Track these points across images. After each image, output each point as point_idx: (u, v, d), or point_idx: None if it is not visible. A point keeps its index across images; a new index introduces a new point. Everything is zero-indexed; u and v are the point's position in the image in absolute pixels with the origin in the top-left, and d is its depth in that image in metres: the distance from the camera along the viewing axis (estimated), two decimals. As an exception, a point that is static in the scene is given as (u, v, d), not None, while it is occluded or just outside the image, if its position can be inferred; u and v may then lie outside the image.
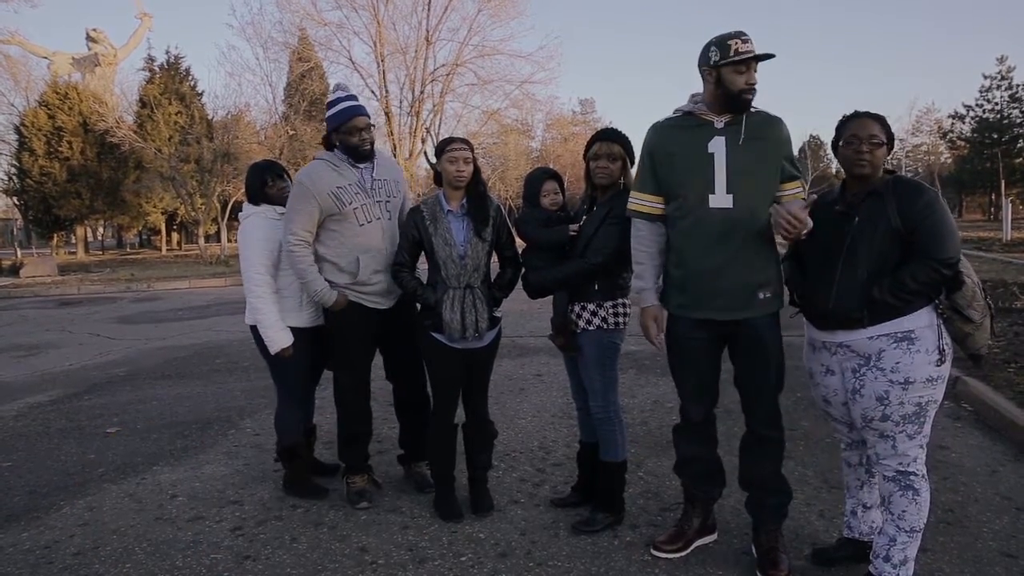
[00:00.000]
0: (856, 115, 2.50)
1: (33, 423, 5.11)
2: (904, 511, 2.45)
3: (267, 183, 3.53)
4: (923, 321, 2.40)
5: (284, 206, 3.45)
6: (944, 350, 2.40)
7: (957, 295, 2.38)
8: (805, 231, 2.43)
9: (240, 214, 3.62)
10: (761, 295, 2.62)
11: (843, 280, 2.44)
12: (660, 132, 2.74)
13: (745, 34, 2.55)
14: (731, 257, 2.60)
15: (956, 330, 2.42)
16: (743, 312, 2.62)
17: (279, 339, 3.36)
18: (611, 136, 3.01)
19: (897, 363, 2.39)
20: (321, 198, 3.24)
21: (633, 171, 3.08)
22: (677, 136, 2.68)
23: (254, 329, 3.48)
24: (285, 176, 3.61)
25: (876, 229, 2.40)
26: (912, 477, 2.45)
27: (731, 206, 2.58)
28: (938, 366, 2.39)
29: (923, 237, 2.34)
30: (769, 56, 2.54)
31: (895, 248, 2.38)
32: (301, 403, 3.66)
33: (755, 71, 2.57)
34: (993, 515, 3.15)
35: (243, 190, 3.68)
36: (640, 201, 2.78)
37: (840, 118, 2.55)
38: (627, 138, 3.02)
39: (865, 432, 2.52)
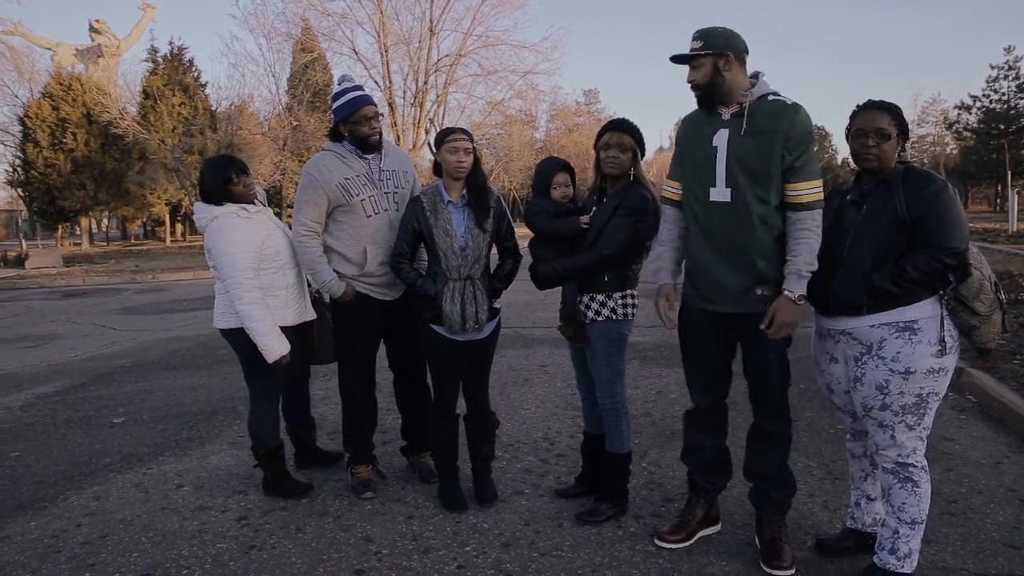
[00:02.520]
0: (866, 107, 2.48)
1: (40, 413, 5.14)
2: (904, 503, 2.45)
3: (232, 180, 3.25)
4: (926, 311, 2.39)
5: (252, 204, 3.33)
6: (946, 341, 2.38)
7: (963, 286, 2.35)
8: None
9: (198, 216, 3.32)
10: (759, 291, 2.59)
11: (847, 267, 2.45)
12: (684, 124, 2.79)
13: (696, 33, 2.58)
14: (727, 252, 2.61)
15: (962, 322, 2.39)
16: (740, 307, 2.62)
17: (277, 347, 3.21)
18: (622, 126, 3.00)
19: (898, 352, 2.39)
20: (329, 189, 3.24)
21: (643, 163, 3.11)
22: (693, 128, 2.72)
23: (229, 332, 3.31)
24: (248, 171, 3.36)
25: (882, 218, 2.40)
26: (911, 469, 2.45)
27: (728, 200, 2.57)
28: (939, 357, 2.38)
29: (927, 226, 2.33)
30: (678, 57, 2.59)
31: (900, 237, 2.38)
32: (278, 403, 3.52)
33: (694, 68, 2.58)
34: (997, 506, 3.15)
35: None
36: (669, 188, 2.86)
37: (854, 107, 2.52)
38: (638, 129, 3.01)
39: (865, 421, 2.54)
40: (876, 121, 2.42)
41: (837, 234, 2.50)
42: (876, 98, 2.50)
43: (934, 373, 2.39)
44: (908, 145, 2.55)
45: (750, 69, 2.63)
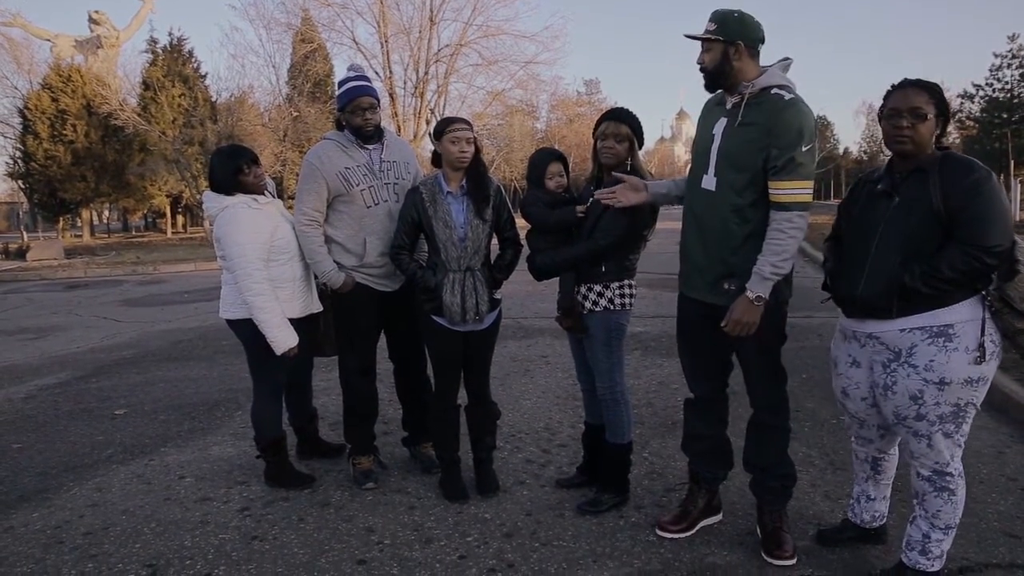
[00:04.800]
0: (901, 85, 2.27)
1: (42, 405, 5.15)
2: (939, 511, 2.34)
3: (242, 170, 3.23)
4: (965, 314, 2.19)
5: (262, 194, 3.32)
6: (986, 347, 2.18)
7: (1008, 286, 2.14)
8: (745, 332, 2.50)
9: (207, 205, 3.30)
10: (725, 285, 2.58)
11: (874, 265, 2.27)
12: (703, 107, 2.76)
13: (714, 14, 2.51)
14: (703, 240, 2.62)
15: (1007, 325, 2.18)
16: (714, 298, 2.62)
17: (286, 339, 3.20)
18: (618, 116, 2.98)
19: (931, 360, 2.21)
20: (329, 178, 3.23)
21: (644, 153, 3.09)
22: (706, 112, 2.71)
23: (236, 323, 3.30)
24: (259, 162, 3.36)
25: (915, 210, 2.20)
26: (948, 478, 2.32)
27: (713, 189, 2.56)
28: (977, 365, 2.19)
29: (966, 220, 2.12)
30: (695, 36, 2.52)
31: (935, 232, 2.17)
32: (281, 395, 3.52)
33: (704, 51, 2.52)
34: (998, 496, 3.16)
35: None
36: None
37: (888, 87, 2.33)
38: (636, 119, 2.99)
39: (898, 429, 2.38)
40: (911, 100, 2.20)
41: (865, 228, 2.33)
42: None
43: (972, 383, 2.20)
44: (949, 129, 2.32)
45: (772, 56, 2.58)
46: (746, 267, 2.52)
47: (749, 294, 2.46)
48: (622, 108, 3.03)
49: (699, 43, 2.55)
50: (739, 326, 2.49)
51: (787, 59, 2.57)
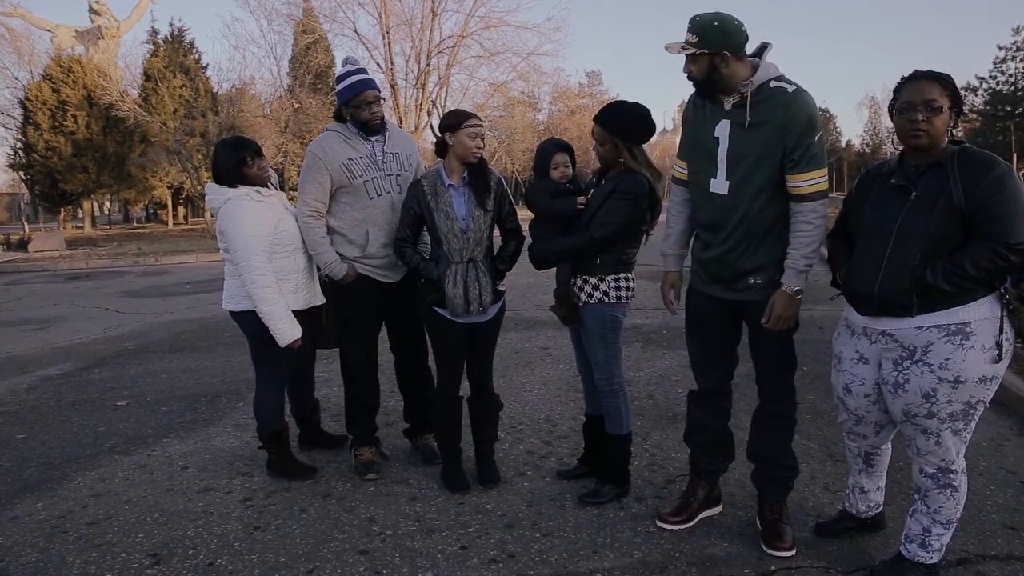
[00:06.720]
0: (913, 77, 2.21)
1: (45, 396, 5.17)
2: (941, 507, 2.34)
3: (246, 162, 3.23)
4: (982, 312, 2.14)
5: (265, 186, 3.32)
6: (1003, 346, 2.15)
7: None
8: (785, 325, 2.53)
9: (210, 197, 3.30)
10: (751, 280, 2.58)
11: (892, 261, 2.20)
12: (692, 103, 2.68)
13: (692, 24, 2.43)
14: (722, 242, 2.59)
15: (1022, 323, 2.16)
16: (736, 294, 2.62)
17: (290, 331, 3.21)
18: (597, 118, 2.94)
19: (947, 359, 2.16)
20: (332, 169, 3.24)
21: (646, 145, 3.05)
22: (700, 111, 2.63)
23: (240, 315, 3.31)
24: (263, 154, 3.34)
25: (935, 206, 2.14)
26: (952, 475, 2.30)
27: (726, 193, 2.53)
28: (995, 363, 2.15)
29: (989, 217, 2.07)
30: (678, 51, 2.45)
31: (955, 228, 2.12)
32: (284, 386, 3.53)
33: (690, 62, 2.46)
34: (997, 488, 3.17)
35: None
36: (678, 168, 2.80)
37: (899, 80, 2.26)
38: (613, 117, 2.90)
39: (905, 426, 2.34)
40: (925, 92, 2.14)
41: (880, 223, 2.26)
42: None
43: (986, 381, 2.17)
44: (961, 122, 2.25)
45: (755, 42, 2.52)
46: (769, 260, 2.54)
47: (787, 289, 2.48)
48: (605, 107, 2.98)
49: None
50: (780, 321, 2.51)
51: (766, 44, 2.52)
